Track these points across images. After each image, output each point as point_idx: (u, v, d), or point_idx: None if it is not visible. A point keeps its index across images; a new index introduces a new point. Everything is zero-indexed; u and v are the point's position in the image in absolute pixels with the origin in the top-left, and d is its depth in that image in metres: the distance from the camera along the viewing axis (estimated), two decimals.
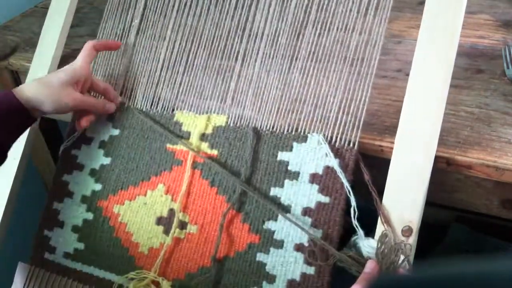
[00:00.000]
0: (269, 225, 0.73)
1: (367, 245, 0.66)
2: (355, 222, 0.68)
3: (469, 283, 0.44)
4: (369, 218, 0.68)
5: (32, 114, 0.77)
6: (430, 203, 0.71)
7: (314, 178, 0.72)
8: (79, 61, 0.82)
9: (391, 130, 0.71)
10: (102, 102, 0.85)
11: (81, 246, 0.84)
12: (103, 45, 0.87)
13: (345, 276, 0.71)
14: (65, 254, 0.85)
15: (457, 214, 0.87)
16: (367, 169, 0.70)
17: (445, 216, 0.88)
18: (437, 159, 0.68)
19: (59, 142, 0.92)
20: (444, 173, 0.72)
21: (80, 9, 1.10)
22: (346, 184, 0.70)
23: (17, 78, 1.05)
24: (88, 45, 0.84)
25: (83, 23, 1.07)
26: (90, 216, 0.85)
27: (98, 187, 0.85)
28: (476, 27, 0.89)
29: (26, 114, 0.76)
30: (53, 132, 1.11)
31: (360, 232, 0.68)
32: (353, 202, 0.69)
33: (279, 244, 0.72)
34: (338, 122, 0.73)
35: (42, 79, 0.79)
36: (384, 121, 0.74)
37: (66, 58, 0.96)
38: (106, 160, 0.86)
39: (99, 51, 0.87)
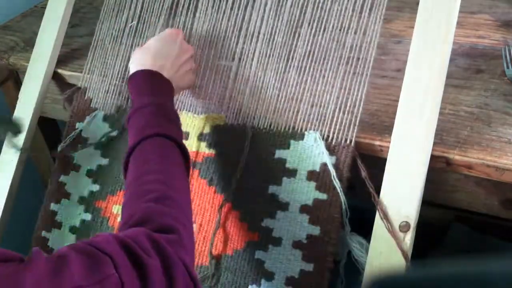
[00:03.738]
0: (267, 222, 0.73)
1: (355, 241, 0.66)
2: (345, 219, 0.69)
3: (468, 283, 0.44)
4: (370, 217, 0.68)
5: None
6: (430, 203, 0.70)
7: (311, 175, 0.72)
8: None
9: (391, 130, 0.70)
10: None
11: None
12: None
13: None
14: None
15: (457, 214, 0.87)
16: (367, 168, 0.69)
17: (445, 216, 0.88)
18: (437, 159, 0.68)
19: (59, 142, 0.91)
20: (444, 173, 0.72)
21: (79, 9, 1.10)
22: (336, 181, 0.70)
23: (17, 77, 1.05)
24: None
25: (83, 23, 1.07)
26: (88, 216, 0.85)
27: (95, 187, 0.85)
28: (476, 27, 0.88)
29: None
30: (53, 132, 1.11)
31: (347, 227, 0.68)
32: (342, 197, 0.69)
33: (278, 242, 0.72)
34: (335, 120, 0.73)
35: None
36: (384, 121, 0.74)
37: (65, 57, 0.96)
38: (104, 161, 0.86)
39: None
